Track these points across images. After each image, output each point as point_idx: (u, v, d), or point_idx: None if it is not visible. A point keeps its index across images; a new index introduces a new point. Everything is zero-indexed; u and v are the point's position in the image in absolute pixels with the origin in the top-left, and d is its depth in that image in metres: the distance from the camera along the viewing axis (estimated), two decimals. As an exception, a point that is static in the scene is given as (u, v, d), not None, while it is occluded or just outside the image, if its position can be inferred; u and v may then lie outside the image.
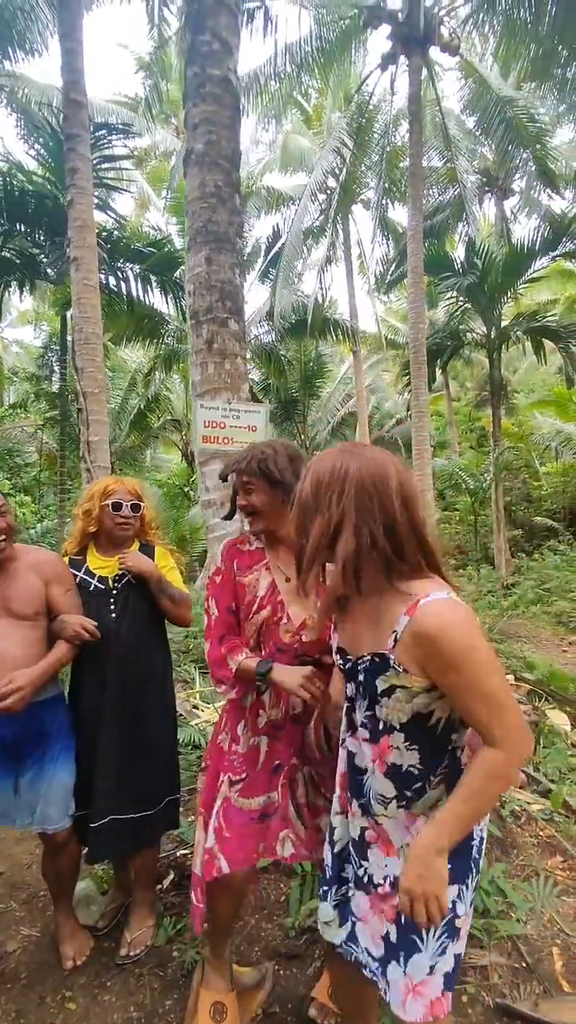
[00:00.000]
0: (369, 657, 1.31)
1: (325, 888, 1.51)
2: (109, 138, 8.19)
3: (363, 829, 1.42)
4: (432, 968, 1.30)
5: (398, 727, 1.28)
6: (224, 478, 1.91)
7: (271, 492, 1.75)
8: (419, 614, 1.19)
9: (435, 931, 1.30)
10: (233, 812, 1.76)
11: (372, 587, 1.27)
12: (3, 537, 2.05)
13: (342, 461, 1.25)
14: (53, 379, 12.70)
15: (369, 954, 1.39)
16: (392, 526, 1.21)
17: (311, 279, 16.14)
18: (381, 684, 1.28)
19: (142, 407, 15.15)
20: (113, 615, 2.25)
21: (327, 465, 1.26)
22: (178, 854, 2.77)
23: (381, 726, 1.31)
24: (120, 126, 8.06)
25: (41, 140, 8.75)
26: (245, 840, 1.75)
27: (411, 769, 1.30)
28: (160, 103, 10.41)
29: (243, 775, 1.79)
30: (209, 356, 2.69)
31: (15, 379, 16.86)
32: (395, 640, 1.23)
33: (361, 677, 1.34)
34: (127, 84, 34.10)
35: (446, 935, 1.31)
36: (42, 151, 8.66)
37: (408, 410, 15.79)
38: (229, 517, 1.98)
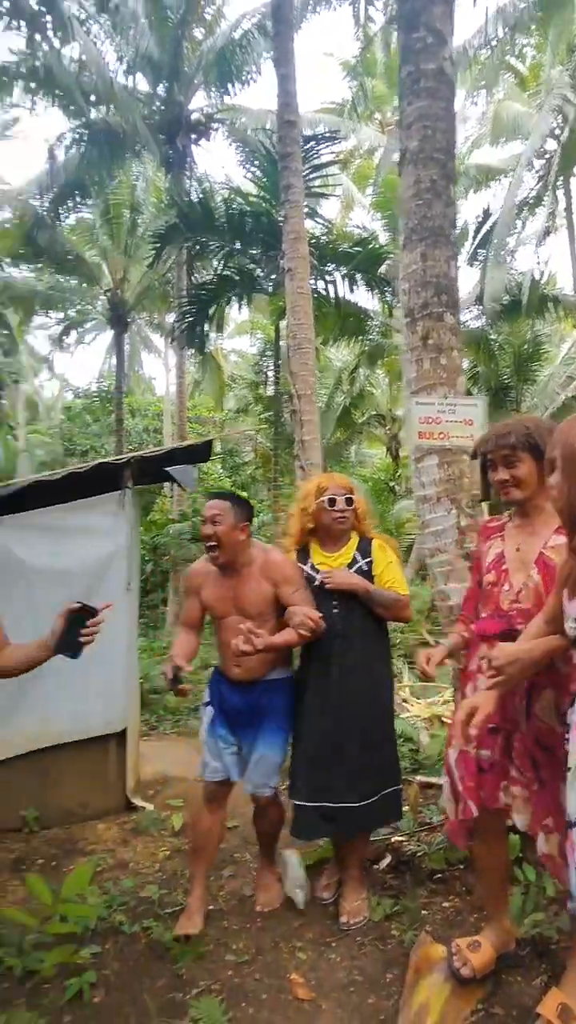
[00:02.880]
0: None
1: None
2: (317, 149, 8.55)
3: None
4: None
5: None
6: (474, 456, 2.03)
7: (535, 463, 1.80)
8: None
9: None
10: (467, 760, 1.85)
11: None
12: (216, 543, 2.28)
13: None
14: (267, 385, 13.63)
15: None
16: None
17: (525, 255, 14.96)
18: None
19: (347, 404, 15.53)
20: (335, 610, 2.38)
21: None
22: (393, 839, 2.85)
23: None
24: (327, 135, 8.38)
25: (256, 162, 9.47)
26: (483, 786, 1.82)
27: None
28: (365, 100, 10.55)
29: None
30: (424, 352, 2.70)
31: (233, 385, 18.45)
32: None
33: None
34: (333, 91, 35.19)
35: None
36: (257, 172, 9.37)
37: None
38: (485, 497, 2.10)
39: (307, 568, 2.45)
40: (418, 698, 4.66)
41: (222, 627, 2.43)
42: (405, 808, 2.67)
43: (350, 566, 2.42)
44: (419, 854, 2.62)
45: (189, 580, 2.54)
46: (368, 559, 2.45)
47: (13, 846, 3.15)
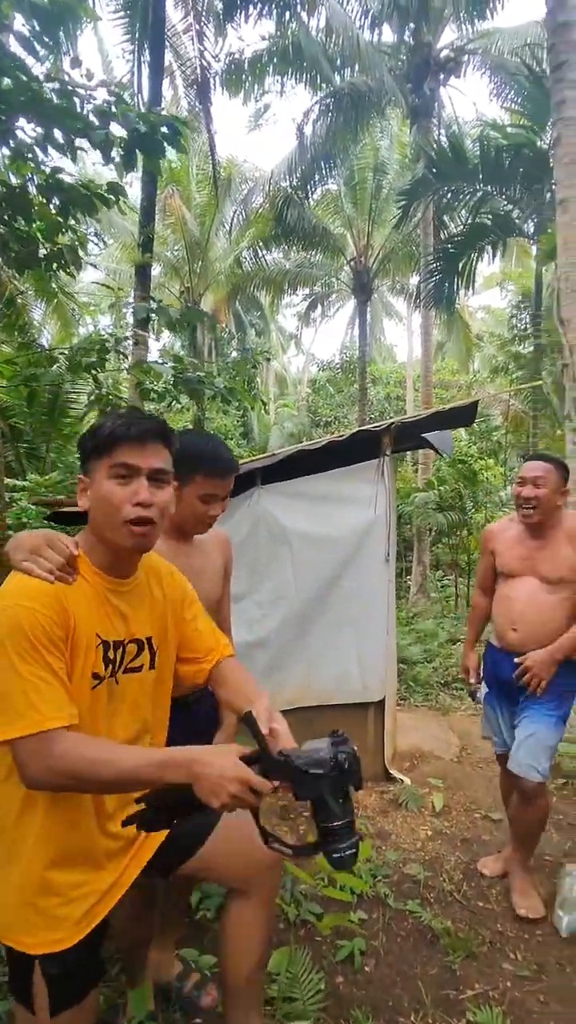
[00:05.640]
0: None
1: None
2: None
3: None
4: None
5: None
6: None
7: None
8: None
9: None
10: None
11: None
12: (534, 506, 2.11)
13: None
14: (525, 340, 12.44)
15: None
16: None
17: None
18: None
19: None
20: None
21: None
22: None
23: None
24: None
25: (515, 87, 8.45)
26: None
27: None
28: None
29: None
30: None
31: (482, 344, 17.29)
32: None
33: None
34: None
35: None
36: (516, 99, 8.36)
37: None
38: None
39: None
40: None
41: (510, 585, 2.33)
42: None
43: None
44: None
45: (484, 539, 2.51)
46: None
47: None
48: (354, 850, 1.06)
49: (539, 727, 2.21)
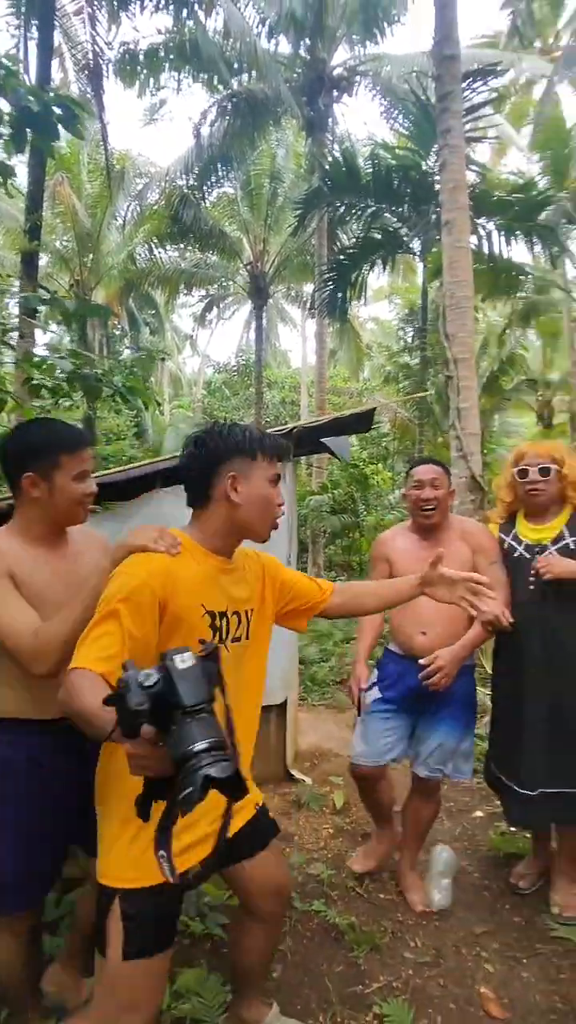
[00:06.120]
0: None
1: None
2: (474, 86, 7.80)
3: None
4: None
5: None
6: None
7: None
8: None
9: None
10: None
11: None
12: (433, 507, 2.19)
13: None
14: (412, 352, 13.09)
15: None
16: None
17: None
18: None
19: (495, 369, 14.50)
20: (531, 587, 2.17)
21: None
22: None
23: None
24: (489, 67, 7.59)
25: (403, 111, 8.88)
26: None
27: None
28: (529, 23, 9.48)
29: None
30: None
31: (372, 354, 18.00)
32: None
33: None
34: (484, 23, 32.52)
35: None
36: (404, 122, 8.79)
37: None
38: None
39: (509, 539, 2.28)
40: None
41: None
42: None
43: (555, 542, 2.18)
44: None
45: (376, 547, 2.46)
46: None
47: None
48: (221, 764, 0.82)
49: (449, 736, 2.27)
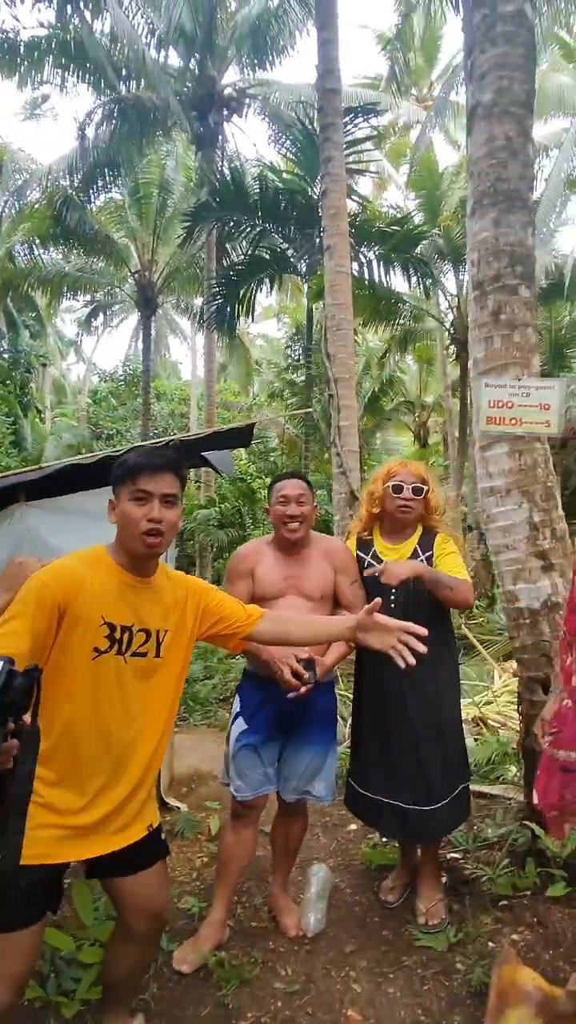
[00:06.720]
0: None
1: None
2: (355, 122, 8.21)
3: None
4: None
5: None
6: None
7: None
8: None
9: None
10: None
11: None
12: (300, 522, 2.16)
13: None
14: (298, 369, 13.38)
15: None
16: None
17: (567, 237, 14.40)
18: None
19: (376, 390, 15.21)
20: (393, 604, 2.20)
21: None
22: (449, 856, 2.66)
23: None
24: (368, 106, 8.02)
25: (291, 138, 9.15)
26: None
27: None
28: (405, 73, 10.14)
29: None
30: (495, 329, 2.45)
31: (260, 370, 18.21)
32: None
33: None
34: (367, 65, 34.50)
35: None
36: (291, 148, 9.05)
37: None
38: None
39: (368, 557, 2.30)
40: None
41: (274, 607, 2.17)
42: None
43: (411, 559, 2.24)
44: (482, 878, 2.41)
45: (239, 562, 2.27)
46: (429, 553, 2.27)
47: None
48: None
49: (317, 753, 2.24)
